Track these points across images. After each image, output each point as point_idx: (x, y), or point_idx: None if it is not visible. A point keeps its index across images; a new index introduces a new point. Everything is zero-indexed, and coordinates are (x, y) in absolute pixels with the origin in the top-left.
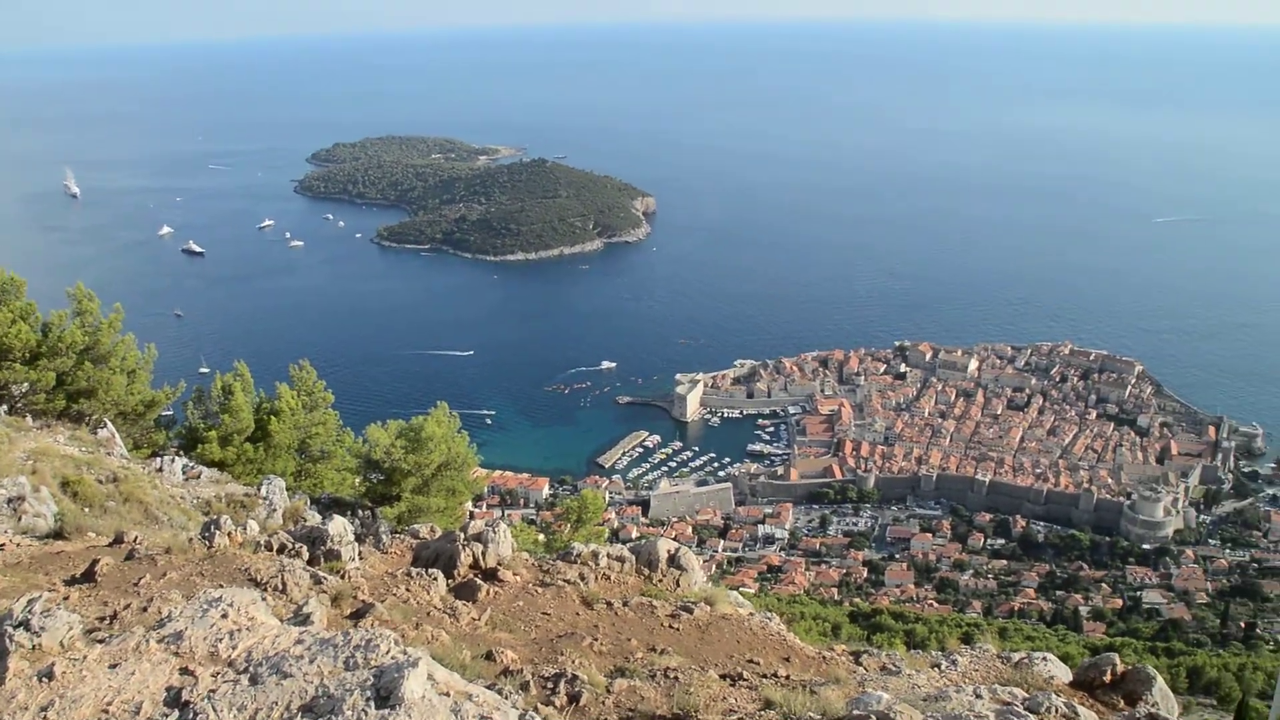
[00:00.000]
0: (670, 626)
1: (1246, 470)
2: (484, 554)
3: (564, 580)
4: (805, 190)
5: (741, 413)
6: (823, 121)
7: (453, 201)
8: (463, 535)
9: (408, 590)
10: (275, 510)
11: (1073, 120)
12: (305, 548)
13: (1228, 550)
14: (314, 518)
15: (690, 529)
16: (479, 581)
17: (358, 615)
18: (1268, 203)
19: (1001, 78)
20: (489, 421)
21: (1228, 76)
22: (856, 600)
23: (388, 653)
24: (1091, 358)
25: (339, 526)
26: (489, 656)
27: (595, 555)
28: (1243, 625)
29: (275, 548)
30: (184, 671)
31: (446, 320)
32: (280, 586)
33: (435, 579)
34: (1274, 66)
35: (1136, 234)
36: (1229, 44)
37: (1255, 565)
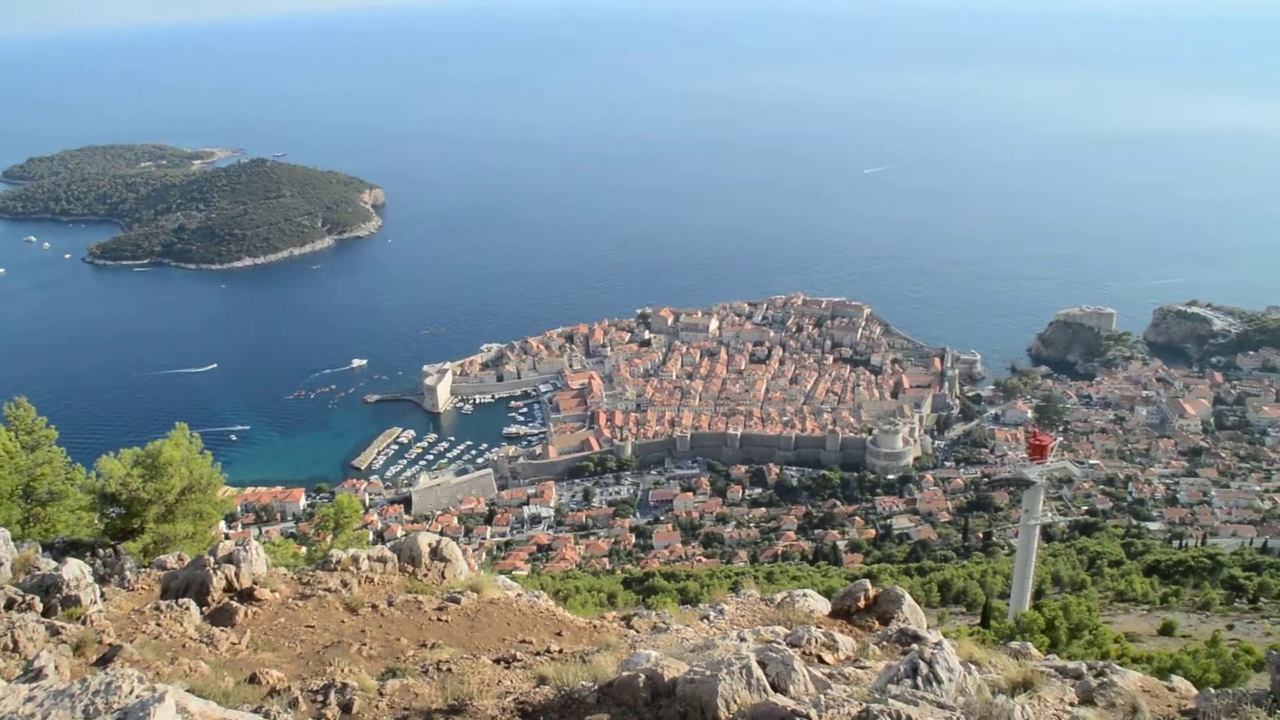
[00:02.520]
0: (439, 619)
1: (970, 395)
2: (238, 575)
3: (325, 590)
4: (529, 170)
5: (494, 397)
6: (531, 102)
7: (169, 211)
8: (212, 559)
9: (158, 625)
10: (2, 564)
11: (790, 81)
12: (38, 599)
13: (962, 469)
14: (48, 565)
15: (456, 520)
16: (235, 604)
17: (105, 660)
18: (955, 147)
19: (715, 42)
20: (234, 438)
21: (913, 38)
22: (628, 567)
23: (131, 693)
24: (823, 305)
25: (75, 570)
26: (253, 680)
27: (356, 560)
28: (980, 536)
29: (2, 605)
30: None
31: (179, 337)
32: (10, 645)
33: (187, 609)
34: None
35: (850, 186)
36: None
37: (986, 480)
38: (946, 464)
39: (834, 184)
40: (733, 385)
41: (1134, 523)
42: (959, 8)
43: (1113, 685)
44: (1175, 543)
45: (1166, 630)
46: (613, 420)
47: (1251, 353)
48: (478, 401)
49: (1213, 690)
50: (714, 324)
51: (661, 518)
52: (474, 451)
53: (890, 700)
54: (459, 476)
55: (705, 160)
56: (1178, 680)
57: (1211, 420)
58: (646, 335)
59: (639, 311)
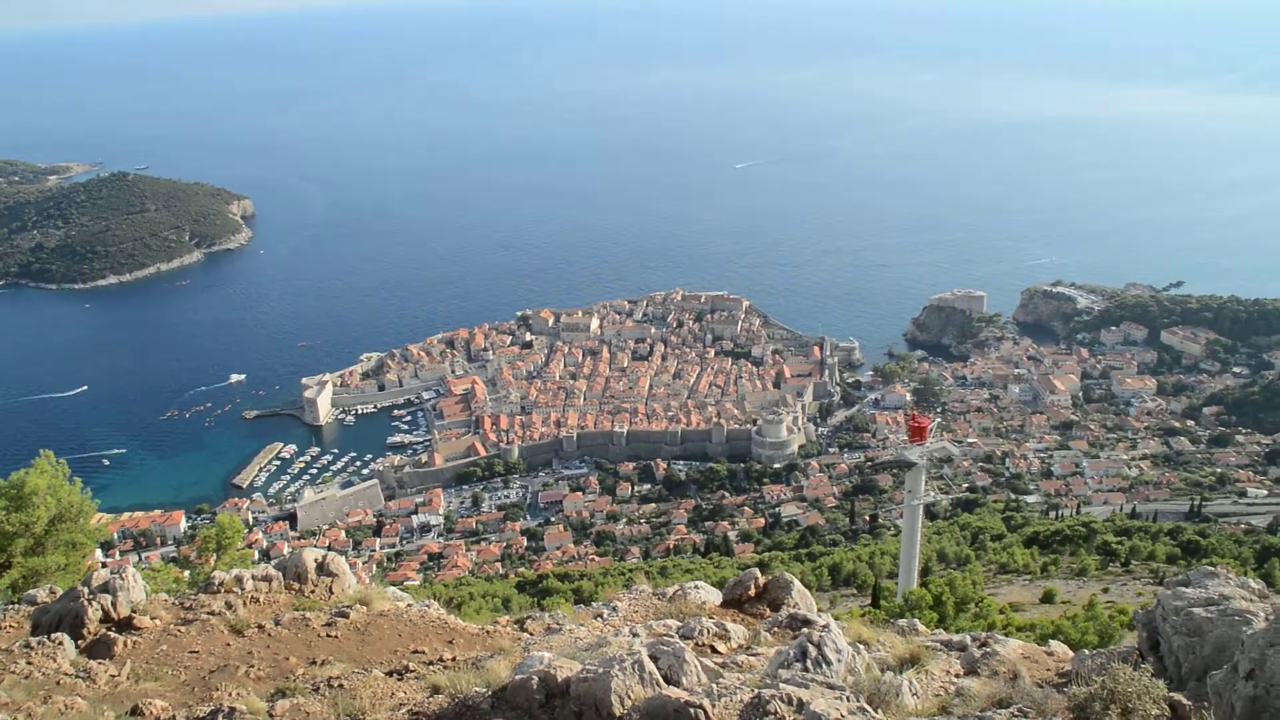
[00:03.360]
0: (328, 635)
1: (850, 381)
2: (114, 604)
3: (209, 613)
4: (404, 174)
5: (376, 406)
6: (403, 103)
7: (24, 229)
8: (86, 590)
9: (29, 664)
10: None
11: (663, 78)
12: None
13: (846, 455)
14: None
15: (343, 533)
16: (113, 635)
17: None
18: (823, 141)
19: (592, 39)
20: (107, 463)
21: (783, 34)
22: (522, 570)
23: None
24: (703, 300)
25: None
26: (135, 711)
27: (240, 580)
28: (867, 519)
29: None
30: None
31: (43, 360)
32: None
33: (60, 644)
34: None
35: (723, 180)
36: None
37: (869, 463)
38: (830, 450)
39: (707, 179)
40: (616, 383)
41: (1012, 497)
42: (829, 6)
43: (995, 655)
44: (1052, 514)
45: (1047, 598)
46: (498, 424)
47: (1113, 328)
48: (360, 412)
49: (1087, 652)
50: (595, 323)
51: (552, 519)
52: (359, 463)
53: (781, 685)
54: (345, 489)
55: (585, 158)
56: (1055, 645)
57: (1080, 394)
58: (528, 337)
59: (519, 314)
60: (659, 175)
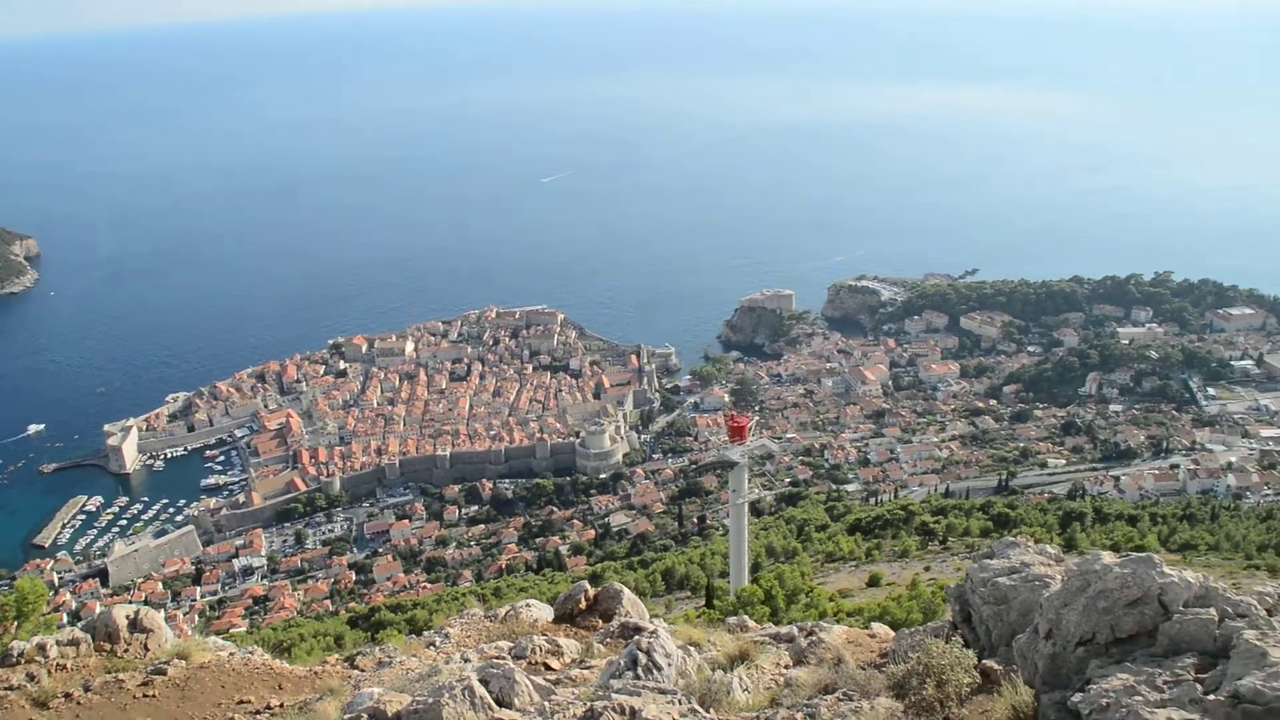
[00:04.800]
0: (145, 695)
1: (669, 386)
2: None
3: (6, 689)
4: (207, 202)
5: (186, 449)
6: (207, 128)
7: None
8: None
9: None
10: None
11: (465, 95)
12: None
13: (670, 460)
14: None
15: (160, 585)
16: None
17: None
18: (628, 151)
19: (410, 61)
20: None
21: (574, 47)
22: (352, 605)
23: None
24: (517, 316)
25: None
26: None
27: (43, 648)
28: (695, 521)
29: None
30: None
31: None
32: None
33: None
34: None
35: (530, 195)
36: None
37: (693, 466)
38: (655, 456)
39: (514, 194)
40: (436, 406)
41: (833, 487)
42: (614, 20)
43: (821, 643)
44: (872, 500)
45: (874, 582)
46: (316, 457)
47: (916, 317)
48: (169, 456)
49: (906, 630)
50: (410, 346)
51: (380, 550)
52: (172, 509)
53: (613, 695)
54: (158, 538)
55: (394, 178)
56: (878, 627)
57: (889, 383)
58: (342, 365)
59: (331, 342)
60: (467, 192)
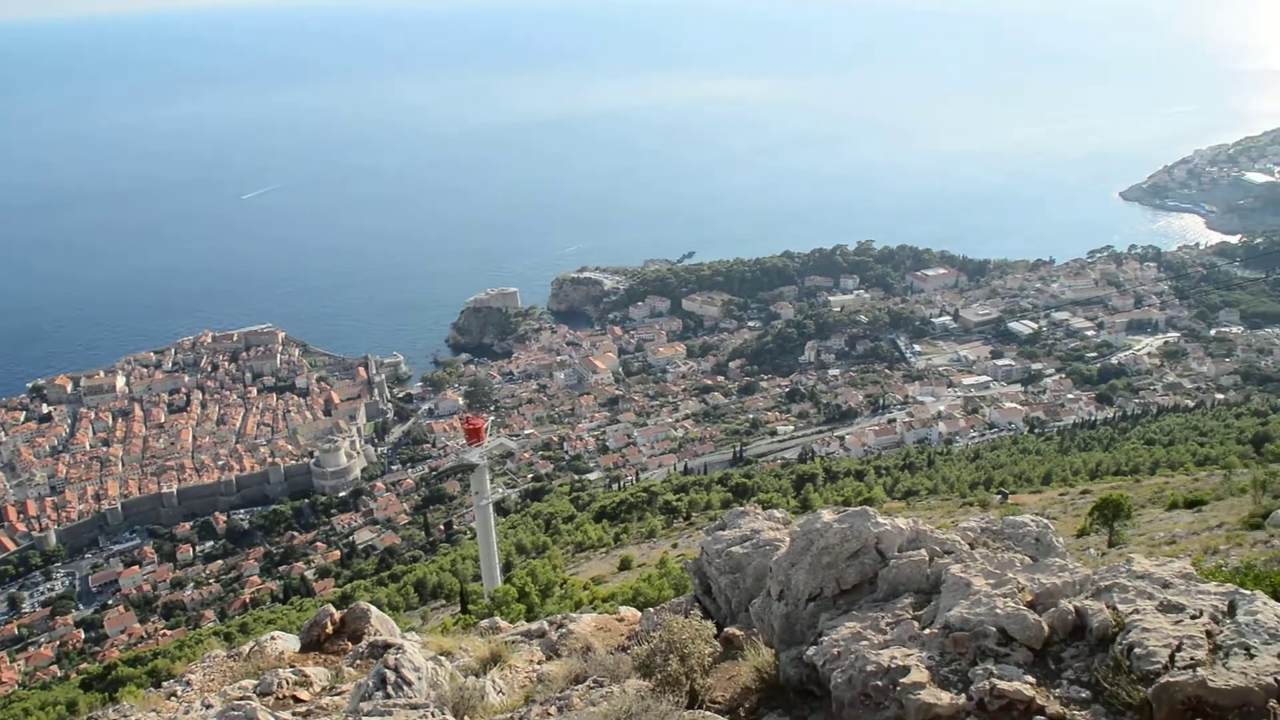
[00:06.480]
0: None
1: (401, 396)
2: None
3: None
4: None
5: None
6: None
7: None
8: None
9: None
10: None
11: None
12: None
13: (410, 469)
14: None
15: None
16: None
17: None
18: (332, 165)
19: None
20: None
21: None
22: (85, 666)
23: None
24: (235, 339)
25: None
26: None
27: None
28: (442, 528)
29: None
30: None
31: None
32: None
33: None
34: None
35: (232, 212)
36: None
37: (433, 473)
38: (394, 468)
39: (212, 213)
40: (156, 441)
41: (576, 478)
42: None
43: (571, 634)
44: (614, 486)
45: (625, 565)
46: (25, 512)
47: (640, 303)
48: None
49: (651, 610)
50: (121, 381)
51: (110, 602)
52: None
53: (364, 718)
54: None
55: (96, 200)
56: (625, 610)
57: (620, 370)
58: (45, 409)
59: (31, 385)
60: (158, 215)
